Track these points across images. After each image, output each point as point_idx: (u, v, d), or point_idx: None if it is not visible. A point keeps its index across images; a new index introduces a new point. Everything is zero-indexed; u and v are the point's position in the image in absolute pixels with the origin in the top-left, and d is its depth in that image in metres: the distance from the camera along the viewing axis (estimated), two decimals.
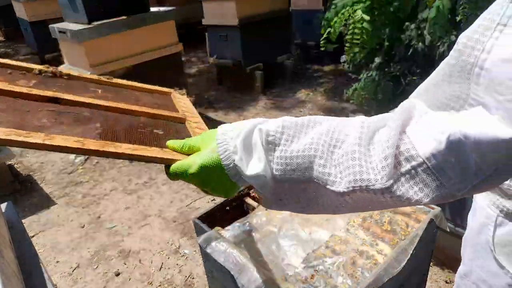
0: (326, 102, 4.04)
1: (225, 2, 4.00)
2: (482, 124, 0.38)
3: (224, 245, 1.15)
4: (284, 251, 1.14)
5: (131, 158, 0.59)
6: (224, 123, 0.56)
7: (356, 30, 2.39)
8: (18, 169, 3.21)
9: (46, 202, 2.75)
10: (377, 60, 3.03)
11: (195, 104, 4.23)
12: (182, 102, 0.97)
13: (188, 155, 0.59)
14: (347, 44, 2.54)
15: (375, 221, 1.22)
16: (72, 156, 3.33)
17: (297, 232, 1.21)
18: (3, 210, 0.91)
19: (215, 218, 1.28)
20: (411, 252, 1.07)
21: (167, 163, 0.59)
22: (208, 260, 1.21)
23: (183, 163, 0.56)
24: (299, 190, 0.50)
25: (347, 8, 2.40)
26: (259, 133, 0.51)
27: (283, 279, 1.04)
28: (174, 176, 0.58)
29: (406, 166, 0.42)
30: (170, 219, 2.45)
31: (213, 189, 0.56)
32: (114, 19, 3.07)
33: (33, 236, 2.38)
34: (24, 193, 2.88)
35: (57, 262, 2.15)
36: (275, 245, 1.17)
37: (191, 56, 6.15)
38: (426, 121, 0.42)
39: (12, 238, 0.80)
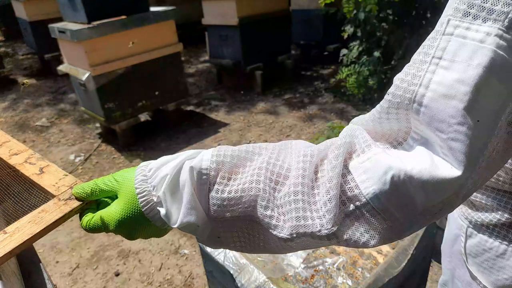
0: (326, 102, 4.04)
1: (225, 1, 3.99)
2: (426, 164, 0.37)
3: None
4: None
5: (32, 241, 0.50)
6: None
7: None
8: None
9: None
10: (376, 54, 3.11)
11: (195, 104, 4.23)
12: None
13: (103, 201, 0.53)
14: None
15: None
16: (71, 156, 3.33)
17: None
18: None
19: None
20: (411, 252, 1.07)
21: (69, 216, 0.53)
22: (208, 260, 1.21)
23: (97, 218, 0.50)
24: (239, 227, 0.47)
25: None
26: (189, 173, 0.45)
27: (283, 279, 1.04)
28: (90, 230, 0.51)
29: (350, 207, 0.40)
30: None
31: (143, 237, 0.52)
32: (114, 18, 3.07)
33: None
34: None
35: (57, 262, 2.15)
36: None
37: (191, 56, 6.15)
38: (368, 158, 0.40)
39: None
